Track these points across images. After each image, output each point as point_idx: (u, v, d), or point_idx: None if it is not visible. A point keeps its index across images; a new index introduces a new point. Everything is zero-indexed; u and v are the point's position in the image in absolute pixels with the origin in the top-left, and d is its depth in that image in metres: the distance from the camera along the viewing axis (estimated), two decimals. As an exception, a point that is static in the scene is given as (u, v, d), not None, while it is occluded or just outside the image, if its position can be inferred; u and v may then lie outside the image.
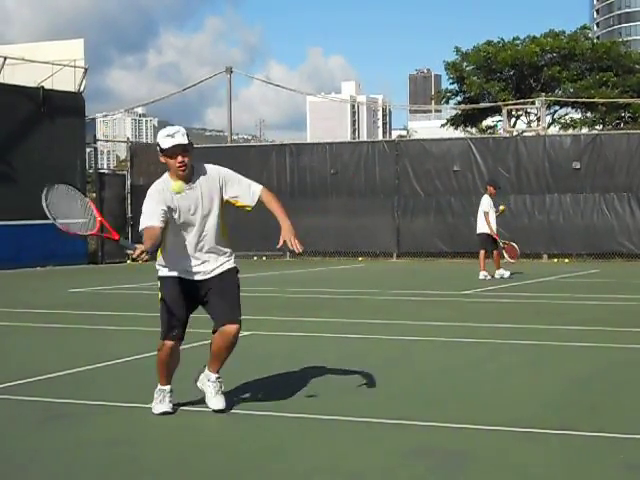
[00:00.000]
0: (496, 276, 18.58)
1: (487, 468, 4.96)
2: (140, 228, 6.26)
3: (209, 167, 6.42)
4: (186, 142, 6.22)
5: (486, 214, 18.56)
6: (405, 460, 5.11)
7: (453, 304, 13.99)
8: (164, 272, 6.41)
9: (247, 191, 6.34)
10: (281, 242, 6.19)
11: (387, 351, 9.00)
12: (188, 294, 6.35)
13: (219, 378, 6.38)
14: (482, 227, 18.69)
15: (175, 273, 6.34)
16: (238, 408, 6.42)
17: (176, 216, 6.23)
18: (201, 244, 6.31)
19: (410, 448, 5.36)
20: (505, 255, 19.55)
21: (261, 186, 6.39)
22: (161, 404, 6.27)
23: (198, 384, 6.50)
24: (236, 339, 6.34)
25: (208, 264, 6.34)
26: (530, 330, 10.60)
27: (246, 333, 10.17)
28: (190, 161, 6.22)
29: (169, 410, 6.25)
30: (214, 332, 6.42)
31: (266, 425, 6.00)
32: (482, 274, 18.48)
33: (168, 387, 6.32)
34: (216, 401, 6.30)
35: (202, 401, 6.54)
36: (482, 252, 18.68)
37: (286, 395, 6.82)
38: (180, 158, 6.17)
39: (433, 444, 5.45)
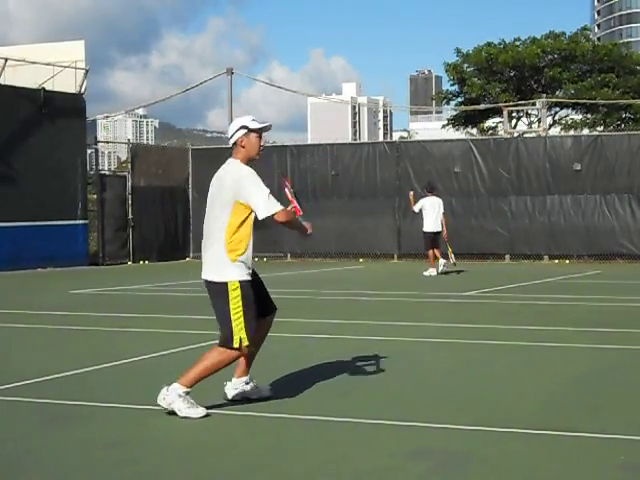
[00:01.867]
0: (426, 273, 20.23)
1: (488, 469, 4.96)
2: (276, 209, 6.18)
3: None
4: (271, 127, 6.53)
5: (413, 212, 20.61)
6: (406, 461, 5.11)
7: (454, 305, 13.99)
8: (242, 274, 6.27)
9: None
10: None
11: (388, 352, 8.99)
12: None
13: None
14: (427, 226, 20.44)
15: (248, 274, 6.33)
16: (239, 409, 6.42)
17: None
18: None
19: (411, 449, 5.36)
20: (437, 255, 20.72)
21: None
22: (196, 407, 6.20)
23: (238, 396, 6.56)
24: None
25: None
26: (530, 331, 10.60)
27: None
28: None
29: (207, 412, 6.23)
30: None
31: (267, 426, 6.00)
32: (431, 271, 20.14)
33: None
34: (266, 390, 6.71)
35: (202, 402, 6.55)
36: (430, 252, 20.43)
37: (287, 396, 6.82)
38: (262, 142, 6.44)
39: (434, 445, 5.45)
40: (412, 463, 5.08)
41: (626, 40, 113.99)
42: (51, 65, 24.61)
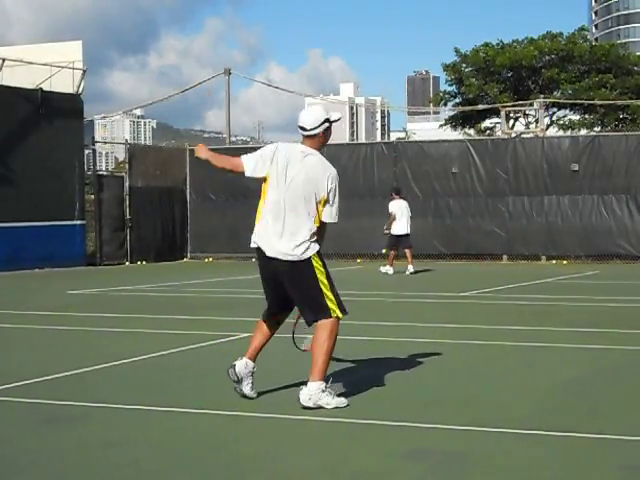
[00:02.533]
0: (382, 270, 21.24)
1: (486, 470, 4.96)
2: (336, 220, 6.72)
3: None
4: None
5: (393, 216, 21.08)
6: (404, 462, 5.11)
7: (451, 306, 13.99)
8: (317, 248, 6.61)
9: None
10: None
11: (385, 353, 9.00)
12: None
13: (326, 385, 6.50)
14: (397, 229, 21.20)
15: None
16: (238, 410, 6.42)
17: None
18: None
19: (409, 450, 5.36)
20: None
21: None
22: (339, 397, 6.43)
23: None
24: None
25: None
26: (528, 332, 10.60)
27: (243, 335, 10.17)
28: None
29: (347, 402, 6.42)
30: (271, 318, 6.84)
31: (266, 426, 6.00)
32: (387, 269, 21.13)
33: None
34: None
35: (201, 403, 6.55)
36: (392, 252, 21.38)
37: (286, 396, 6.82)
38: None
39: (432, 446, 5.45)
40: (410, 464, 5.08)
41: (624, 41, 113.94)
42: (48, 65, 24.60)
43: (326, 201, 6.52)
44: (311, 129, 6.55)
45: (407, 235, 21.15)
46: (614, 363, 8.54)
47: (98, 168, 27.88)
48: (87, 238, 25.79)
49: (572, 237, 25.13)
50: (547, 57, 50.65)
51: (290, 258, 6.43)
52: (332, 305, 6.55)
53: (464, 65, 51.99)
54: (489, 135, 48.81)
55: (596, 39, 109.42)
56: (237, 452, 5.39)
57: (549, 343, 9.69)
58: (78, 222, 25.01)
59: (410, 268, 21.10)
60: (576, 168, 25.12)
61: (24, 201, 23.34)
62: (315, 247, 6.54)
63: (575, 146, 25.50)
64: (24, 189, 23.36)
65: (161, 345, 9.61)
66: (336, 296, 6.61)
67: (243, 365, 6.69)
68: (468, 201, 26.10)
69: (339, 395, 6.51)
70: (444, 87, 56.40)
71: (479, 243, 25.91)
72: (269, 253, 6.48)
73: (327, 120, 6.57)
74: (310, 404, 6.32)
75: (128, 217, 26.69)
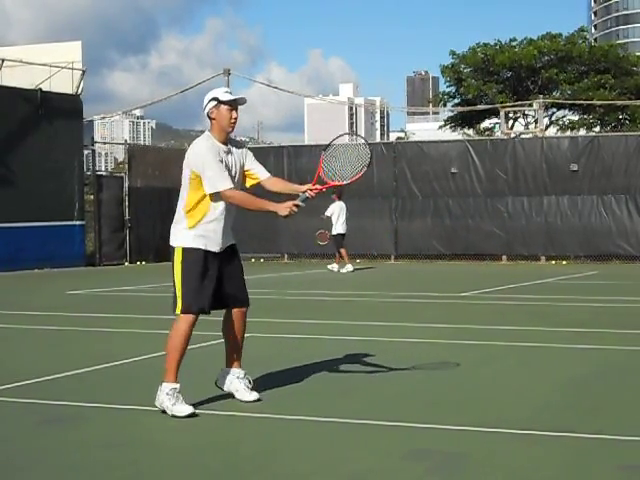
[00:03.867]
0: (343, 270, 22.03)
1: (485, 470, 4.96)
2: (220, 188, 6.17)
3: (237, 140, 6.68)
4: (245, 100, 6.40)
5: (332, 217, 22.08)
6: (403, 462, 5.11)
7: (451, 306, 13.99)
8: (188, 242, 6.31)
9: (260, 167, 6.55)
10: (308, 194, 6.40)
11: (385, 353, 9.00)
12: (209, 266, 6.34)
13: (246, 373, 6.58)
14: (341, 229, 22.24)
15: (202, 244, 6.31)
16: (237, 410, 6.42)
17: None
18: (231, 214, 6.41)
19: (408, 450, 5.36)
20: (319, 240, 22.18)
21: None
22: (182, 404, 6.19)
23: (225, 388, 6.58)
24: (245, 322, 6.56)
25: (228, 237, 6.44)
26: (528, 332, 10.60)
27: (245, 335, 10.17)
28: None
29: (193, 411, 6.17)
30: (226, 319, 6.54)
31: (265, 427, 6.00)
32: (349, 267, 22.06)
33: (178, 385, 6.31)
34: (250, 394, 6.53)
35: (201, 403, 6.55)
36: (343, 250, 22.26)
37: (285, 397, 6.82)
38: (235, 114, 6.33)
39: (431, 446, 5.45)
40: (409, 464, 5.08)
41: (623, 41, 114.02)
42: (48, 66, 24.61)
43: (196, 173, 6.20)
44: (204, 111, 6.41)
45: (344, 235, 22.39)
46: (614, 363, 8.54)
47: (97, 168, 27.85)
48: (86, 238, 25.80)
49: (571, 237, 25.15)
50: (546, 57, 50.62)
51: (171, 243, 6.50)
52: (178, 301, 6.36)
53: (462, 66, 51.97)
54: (488, 135, 48.78)
55: (595, 39, 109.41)
56: (237, 452, 5.39)
57: (548, 343, 9.69)
58: (77, 222, 25.02)
59: (335, 266, 22.37)
60: (575, 168, 25.14)
61: (23, 201, 23.34)
62: (181, 238, 6.32)
63: (574, 146, 25.51)
64: (23, 189, 23.36)
65: (160, 345, 9.56)
66: (186, 291, 6.29)
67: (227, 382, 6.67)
68: (467, 201, 26.11)
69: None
70: (443, 88, 56.34)
71: (478, 243, 25.92)
72: None
73: (214, 99, 6.30)
74: (157, 405, 6.25)
75: (127, 217, 26.69)
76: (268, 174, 6.53)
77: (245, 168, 6.46)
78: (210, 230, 6.29)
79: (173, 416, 6.15)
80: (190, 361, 8.79)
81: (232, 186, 6.23)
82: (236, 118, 6.34)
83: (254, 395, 6.56)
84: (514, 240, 25.73)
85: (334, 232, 22.13)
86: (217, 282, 6.38)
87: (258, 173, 6.48)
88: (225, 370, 6.70)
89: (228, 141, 6.42)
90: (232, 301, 6.50)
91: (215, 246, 6.33)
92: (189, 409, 6.15)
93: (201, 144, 6.30)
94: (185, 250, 6.32)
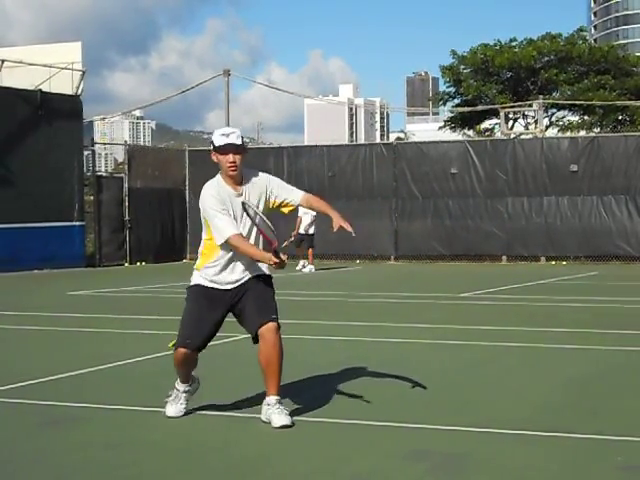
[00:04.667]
0: (306, 270, 22.79)
1: (485, 470, 4.96)
2: (227, 235, 6.00)
3: (259, 174, 6.30)
4: (239, 143, 6.10)
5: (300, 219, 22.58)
6: (403, 463, 5.11)
7: (450, 307, 13.99)
8: (194, 280, 6.28)
9: (291, 192, 6.30)
10: (336, 227, 6.11)
11: (385, 353, 9.00)
12: (216, 303, 6.20)
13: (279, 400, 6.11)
14: (310, 229, 22.87)
15: (206, 282, 6.22)
16: (238, 411, 6.42)
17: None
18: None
19: (408, 451, 5.36)
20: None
21: (303, 192, 6.37)
22: (172, 405, 6.27)
23: (262, 417, 6.13)
24: (278, 340, 6.13)
25: (247, 271, 6.21)
26: (527, 332, 10.61)
27: (243, 336, 10.17)
28: (241, 164, 6.11)
29: (179, 414, 6.23)
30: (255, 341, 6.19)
31: (265, 428, 6.00)
32: (311, 267, 22.86)
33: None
34: (282, 419, 6.01)
35: (201, 404, 6.55)
36: (311, 250, 23.00)
37: (284, 398, 6.82)
38: (231, 157, 6.07)
39: (431, 447, 5.46)
40: (409, 465, 5.08)
41: (623, 42, 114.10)
42: (48, 67, 24.62)
43: (206, 220, 6.17)
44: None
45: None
46: (613, 364, 8.54)
47: (97, 169, 27.85)
48: (86, 239, 25.79)
49: (571, 238, 25.15)
50: (546, 58, 50.64)
51: None
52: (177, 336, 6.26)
53: (462, 66, 51.99)
54: (488, 136, 48.80)
55: (595, 40, 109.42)
56: (237, 453, 5.39)
57: (548, 344, 9.69)
58: (77, 223, 25.01)
59: (307, 264, 23.01)
60: (575, 169, 25.14)
61: (23, 202, 23.34)
62: (194, 278, 6.30)
63: (574, 147, 25.51)
64: (23, 190, 23.36)
65: (160, 346, 9.59)
66: (181, 328, 6.22)
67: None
68: (467, 202, 26.11)
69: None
70: (443, 88, 56.33)
71: (478, 244, 25.92)
72: None
73: (211, 142, 6.19)
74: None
75: (127, 218, 26.69)
76: (300, 196, 6.29)
77: (277, 200, 6.25)
78: (216, 272, 6.20)
79: (169, 417, 6.24)
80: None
81: (236, 232, 6.05)
82: (233, 162, 6.07)
83: (283, 420, 6.00)
84: (514, 241, 25.73)
85: (310, 232, 22.83)
86: (238, 314, 6.27)
87: (290, 200, 6.27)
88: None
89: (244, 178, 6.18)
90: (256, 321, 6.17)
91: (224, 285, 6.20)
92: (173, 412, 6.26)
93: (206, 191, 6.16)
94: (189, 289, 6.31)
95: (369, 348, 9.47)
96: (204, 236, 6.27)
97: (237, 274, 6.20)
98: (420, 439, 5.67)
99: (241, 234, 6.06)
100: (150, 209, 27.35)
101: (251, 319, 6.16)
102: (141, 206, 26.99)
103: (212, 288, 6.17)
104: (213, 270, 6.19)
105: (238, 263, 6.18)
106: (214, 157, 6.14)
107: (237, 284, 6.19)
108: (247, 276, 6.21)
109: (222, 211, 6.07)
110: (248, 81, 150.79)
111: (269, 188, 6.23)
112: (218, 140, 6.09)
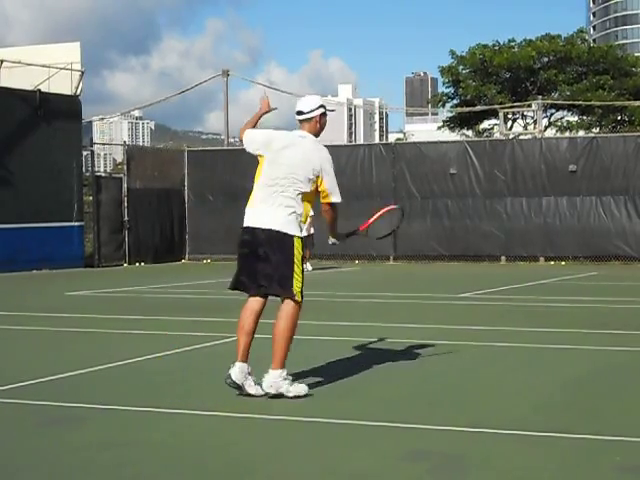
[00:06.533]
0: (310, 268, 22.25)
1: (484, 471, 4.96)
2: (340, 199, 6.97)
3: None
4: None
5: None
6: (402, 463, 5.11)
7: (450, 307, 13.99)
8: (302, 233, 6.87)
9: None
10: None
11: (383, 354, 9.00)
12: None
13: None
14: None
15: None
16: (236, 411, 6.42)
17: None
18: None
19: (407, 451, 5.36)
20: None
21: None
22: (298, 384, 6.73)
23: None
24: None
25: None
26: (526, 333, 10.61)
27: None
28: None
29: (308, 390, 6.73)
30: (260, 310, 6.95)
31: (264, 428, 6.00)
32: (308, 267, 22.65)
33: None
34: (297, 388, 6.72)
35: (200, 404, 6.55)
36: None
37: (283, 398, 6.82)
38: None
39: (430, 447, 5.46)
40: (408, 465, 5.08)
41: (622, 42, 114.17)
42: (47, 67, 24.61)
43: (321, 182, 6.82)
44: (307, 112, 6.92)
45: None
46: (613, 364, 8.55)
47: (96, 169, 27.82)
48: (85, 239, 25.78)
49: (570, 238, 25.15)
50: (545, 58, 50.68)
51: (273, 227, 6.67)
52: (297, 288, 6.70)
53: (461, 67, 52.01)
54: (487, 136, 48.81)
55: (594, 40, 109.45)
56: (235, 453, 5.39)
57: (547, 344, 9.69)
58: (76, 223, 25.00)
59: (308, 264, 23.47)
60: (574, 169, 25.14)
61: (22, 202, 23.33)
62: (301, 232, 6.78)
63: (573, 147, 25.51)
64: (22, 190, 23.35)
65: (159, 347, 9.61)
66: (302, 283, 6.76)
67: (237, 371, 6.74)
68: (466, 202, 26.10)
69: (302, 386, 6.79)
70: (442, 89, 56.36)
71: (477, 244, 25.92)
72: (253, 224, 6.75)
73: (322, 106, 6.95)
74: (272, 391, 6.59)
75: (126, 218, 26.67)
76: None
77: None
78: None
79: (295, 396, 6.62)
80: (189, 361, 8.80)
81: None
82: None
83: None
84: (513, 241, 25.73)
85: (311, 232, 23.02)
86: None
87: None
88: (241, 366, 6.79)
89: None
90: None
91: None
92: (306, 387, 6.73)
93: (326, 150, 7.05)
94: (302, 240, 6.84)
95: (366, 348, 9.46)
96: (306, 189, 6.81)
97: None
98: (419, 439, 5.66)
99: None
100: (149, 209, 27.34)
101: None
102: (140, 206, 26.99)
103: None
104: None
105: None
106: (321, 119, 6.96)
107: None
108: None
109: None
110: (247, 81, 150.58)
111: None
112: (329, 107, 7.03)
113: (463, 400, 6.81)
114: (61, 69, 24.93)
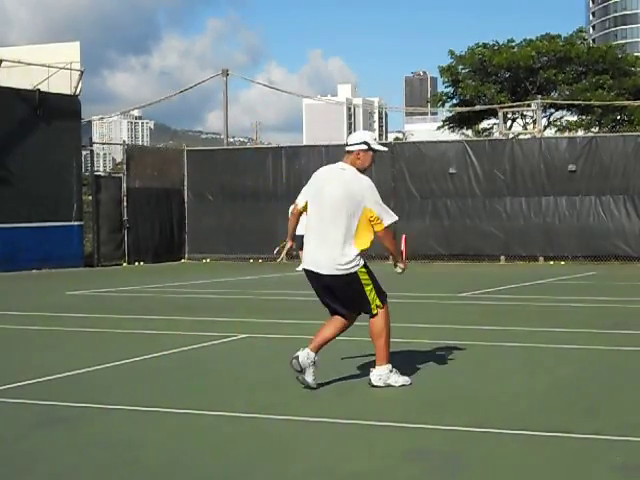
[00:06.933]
0: (299, 268, 23.32)
1: (482, 470, 4.97)
2: (395, 218, 7.36)
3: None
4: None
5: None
6: (400, 462, 5.12)
7: (449, 306, 14.00)
8: (362, 260, 7.29)
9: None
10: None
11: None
12: None
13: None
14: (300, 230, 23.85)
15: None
16: (235, 410, 6.43)
17: None
18: None
19: (405, 450, 5.37)
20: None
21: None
22: (403, 376, 7.27)
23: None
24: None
25: None
26: (525, 332, 10.61)
27: (242, 335, 10.18)
28: None
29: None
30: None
31: (263, 427, 6.01)
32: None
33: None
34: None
35: (200, 403, 6.55)
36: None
37: (282, 397, 6.83)
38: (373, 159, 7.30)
39: (430, 446, 5.46)
40: (406, 464, 5.09)
41: (621, 42, 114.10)
42: (46, 66, 24.61)
43: (370, 209, 7.04)
44: (350, 144, 7.24)
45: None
46: (612, 364, 8.55)
47: (96, 169, 27.84)
48: (85, 239, 25.79)
49: (570, 238, 25.15)
50: (544, 58, 50.69)
51: (334, 272, 7.04)
52: (374, 304, 7.27)
53: (460, 66, 52.02)
54: (487, 136, 48.82)
55: (594, 40, 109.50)
56: (236, 452, 5.40)
57: (547, 344, 9.70)
58: (76, 223, 25.01)
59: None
60: (574, 169, 25.14)
61: (22, 202, 23.34)
62: (360, 261, 7.18)
63: (572, 147, 25.51)
64: (22, 190, 23.36)
65: (159, 346, 9.61)
66: (377, 291, 7.29)
67: (305, 356, 7.02)
68: (466, 202, 26.11)
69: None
70: (442, 88, 56.38)
71: (477, 244, 25.92)
72: (313, 268, 7.12)
73: (366, 143, 7.17)
74: (380, 383, 7.14)
75: (126, 218, 26.68)
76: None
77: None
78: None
79: (402, 385, 7.16)
80: (189, 361, 8.80)
81: None
82: (374, 161, 7.38)
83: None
84: (512, 241, 25.73)
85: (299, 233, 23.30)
86: None
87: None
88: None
89: None
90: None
91: None
92: (409, 379, 7.29)
93: (366, 178, 7.21)
94: (363, 265, 7.30)
95: (365, 348, 9.46)
96: (354, 220, 7.07)
97: None
98: (418, 439, 5.67)
99: None
100: (148, 209, 27.35)
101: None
102: (139, 206, 27.00)
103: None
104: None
105: None
106: (360, 154, 7.18)
107: None
108: None
109: None
110: (247, 81, 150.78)
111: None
112: (375, 144, 7.25)
113: (462, 400, 6.81)
114: (61, 69, 24.94)
